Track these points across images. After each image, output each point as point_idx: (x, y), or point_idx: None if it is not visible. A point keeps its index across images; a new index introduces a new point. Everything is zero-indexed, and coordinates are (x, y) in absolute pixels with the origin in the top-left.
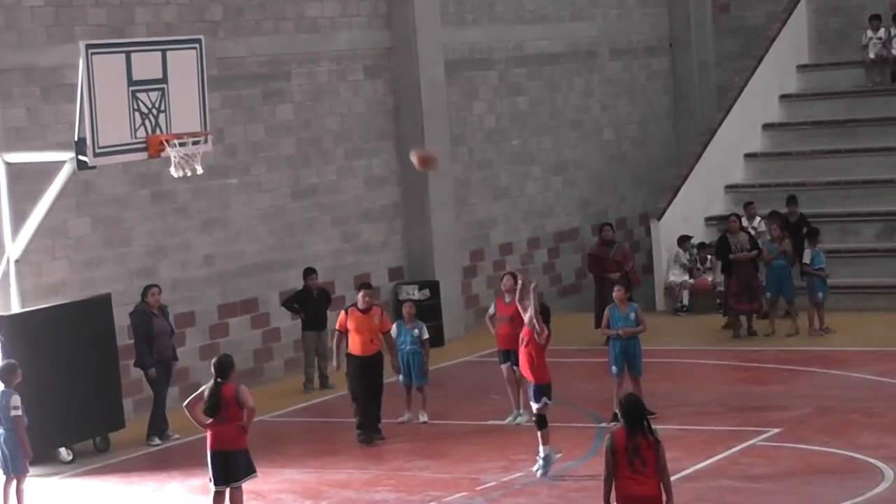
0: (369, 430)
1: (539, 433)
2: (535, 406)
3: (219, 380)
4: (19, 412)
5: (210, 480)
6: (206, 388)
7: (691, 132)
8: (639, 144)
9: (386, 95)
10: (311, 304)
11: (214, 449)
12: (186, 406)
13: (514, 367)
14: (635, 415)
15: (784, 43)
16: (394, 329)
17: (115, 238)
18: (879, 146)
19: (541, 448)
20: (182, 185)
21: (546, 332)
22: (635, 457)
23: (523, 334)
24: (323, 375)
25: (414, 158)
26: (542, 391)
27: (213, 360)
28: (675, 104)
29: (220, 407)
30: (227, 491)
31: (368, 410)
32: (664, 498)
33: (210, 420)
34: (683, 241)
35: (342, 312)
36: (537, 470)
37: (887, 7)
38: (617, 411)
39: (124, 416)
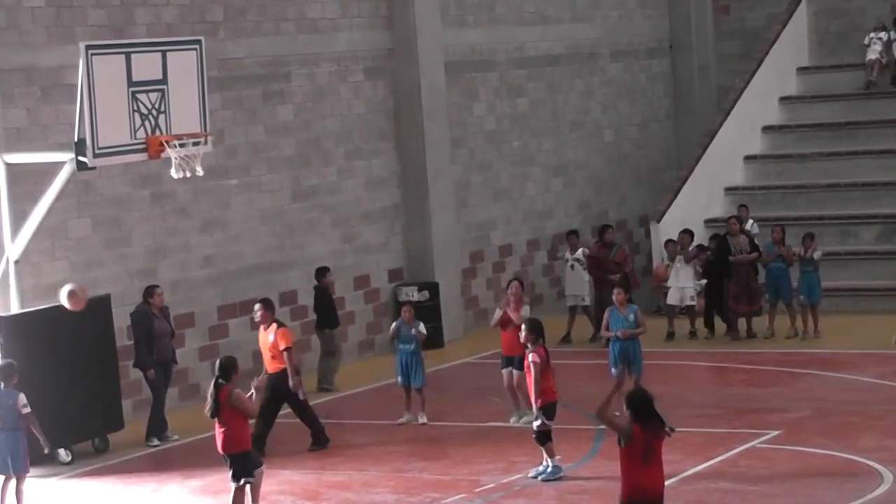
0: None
1: (542, 448)
2: (535, 424)
3: (219, 381)
4: (28, 409)
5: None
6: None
7: (691, 134)
8: (639, 146)
9: (386, 97)
10: (324, 302)
11: (221, 451)
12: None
13: (514, 372)
14: (645, 407)
15: (784, 45)
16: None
17: (115, 239)
18: (879, 149)
19: (548, 460)
20: (182, 186)
21: (541, 349)
22: (650, 451)
23: (526, 365)
24: (330, 374)
25: (69, 299)
26: (543, 411)
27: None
28: (676, 106)
29: (219, 410)
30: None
31: (258, 429)
32: None
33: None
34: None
35: None
36: (537, 476)
37: (888, 10)
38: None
39: (123, 416)
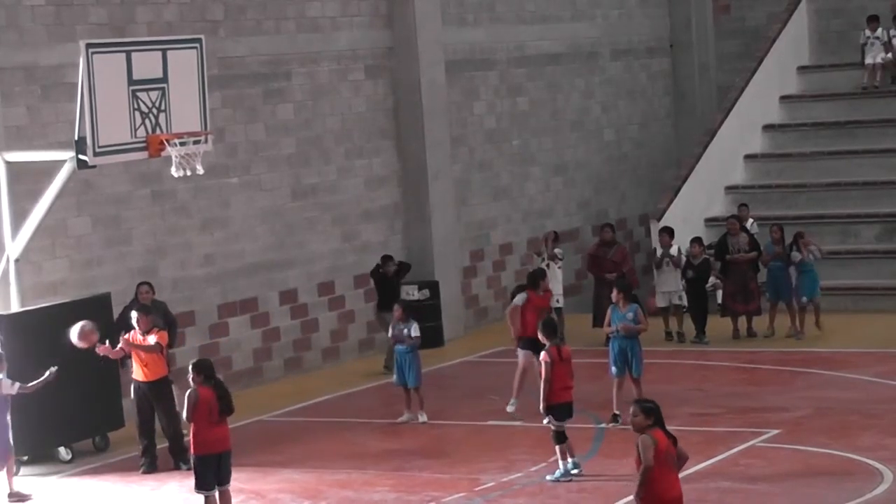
0: (152, 459)
1: (556, 448)
2: (545, 422)
3: (213, 381)
4: (15, 388)
5: (199, 488)
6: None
7: (692, 133)
8: (639, 145)
9: (386, 95)
10: (387, 285)
11: (211, 452)
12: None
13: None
14: (660, 413)
15: (785, 44)
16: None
17: (115, 237)
18: (880, 148)
19: (559, 461)
20: (182, 185)
21: (553, 348)
22: (670, 456)
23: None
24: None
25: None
26: (550, 412)
27: (198, 364)
28: (676, 105)
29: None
30: (217, 493)
31: (151, 440)
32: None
33: (193, 423)
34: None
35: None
36: (552, 479)
37: (888, 8)
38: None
39: (123, 415)
